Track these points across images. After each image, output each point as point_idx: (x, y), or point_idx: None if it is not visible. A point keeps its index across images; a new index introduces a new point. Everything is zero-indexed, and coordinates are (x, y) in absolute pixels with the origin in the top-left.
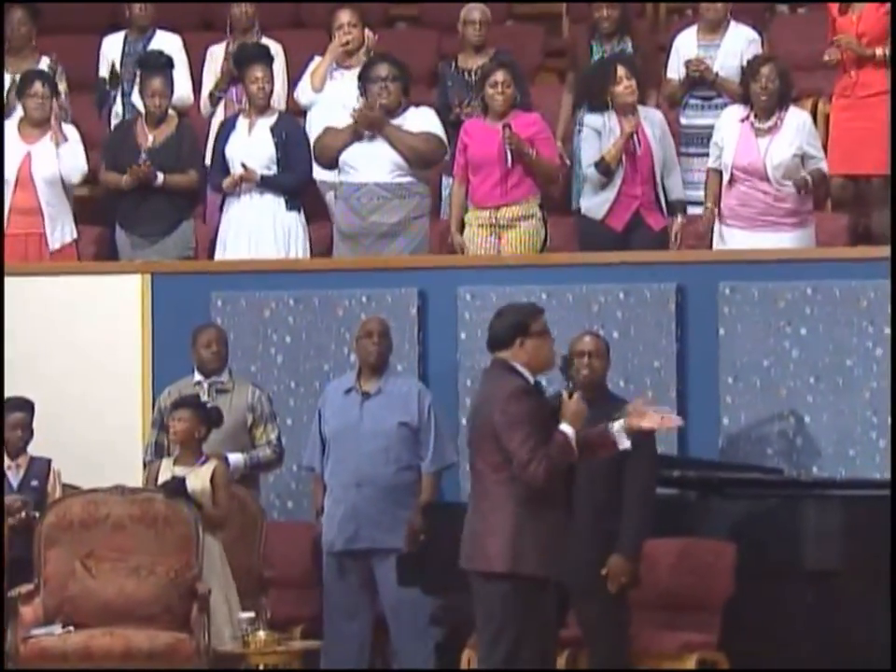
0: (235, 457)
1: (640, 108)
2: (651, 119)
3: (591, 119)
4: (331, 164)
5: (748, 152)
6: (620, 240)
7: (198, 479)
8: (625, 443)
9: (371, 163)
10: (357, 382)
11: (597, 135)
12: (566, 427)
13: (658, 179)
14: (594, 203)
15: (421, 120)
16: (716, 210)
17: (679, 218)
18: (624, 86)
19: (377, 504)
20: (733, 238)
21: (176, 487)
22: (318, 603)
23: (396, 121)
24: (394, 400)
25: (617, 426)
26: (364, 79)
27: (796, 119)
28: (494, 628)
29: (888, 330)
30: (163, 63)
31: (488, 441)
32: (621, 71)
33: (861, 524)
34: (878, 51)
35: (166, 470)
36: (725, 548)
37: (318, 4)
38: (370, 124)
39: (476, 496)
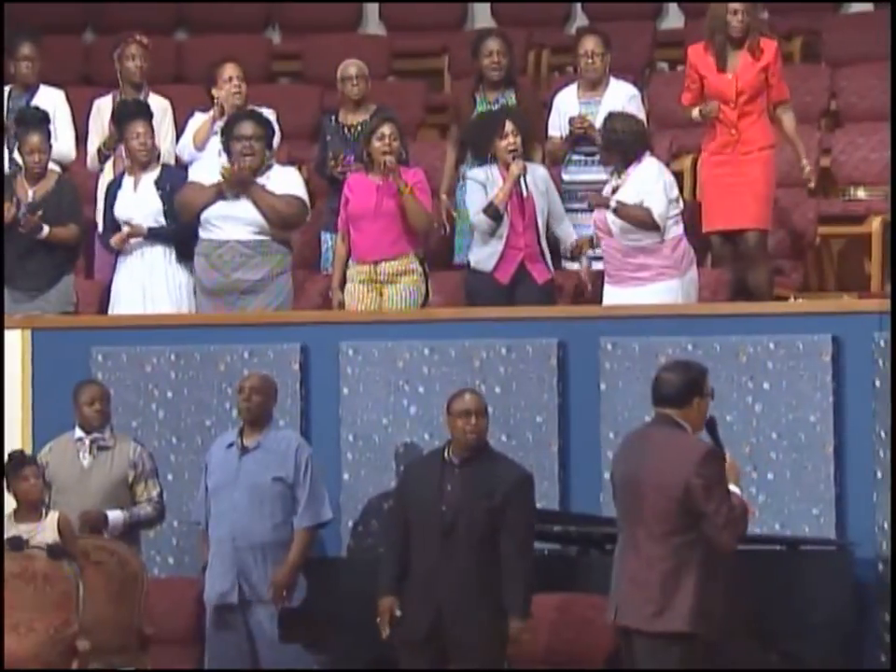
0: (115, 514)
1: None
2: (535, 174)
3: (474, 173)
4: (191, 220)
5: (599, 210)
6: (505, 293)
7: (46, 532)
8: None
9: (233, 222)
10: (239, 437)
11: (482, 188)
12: (735, 489)
13: (542, 231)
14: (483, 256)
15: (285, 181)
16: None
17: (585, 262)
18: (508, 142)
19: (252, 559)
20: (606, 293)
21: (18, 545)
22: (200, 659)
23: (260, 180)
24: (271, 456)
25: (737, 491)
26: (227, 136)
27: (641, 173)
28: None
29: (766, 385)
30: (40, 119)
31: (672, 502)
32: (508, 126)
33: (740, 579)
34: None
35: (8, 526)
36: (606, 603)
37: (199, 59)
38: (237, 184)
39: (649, 556)
